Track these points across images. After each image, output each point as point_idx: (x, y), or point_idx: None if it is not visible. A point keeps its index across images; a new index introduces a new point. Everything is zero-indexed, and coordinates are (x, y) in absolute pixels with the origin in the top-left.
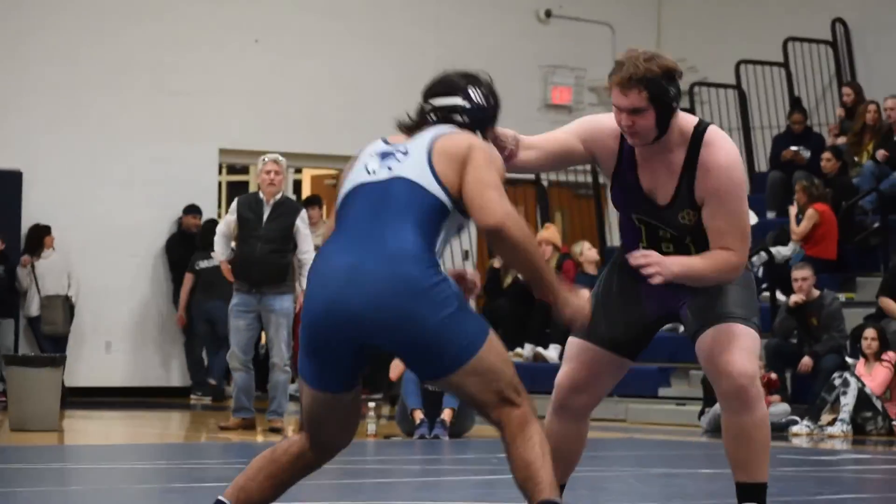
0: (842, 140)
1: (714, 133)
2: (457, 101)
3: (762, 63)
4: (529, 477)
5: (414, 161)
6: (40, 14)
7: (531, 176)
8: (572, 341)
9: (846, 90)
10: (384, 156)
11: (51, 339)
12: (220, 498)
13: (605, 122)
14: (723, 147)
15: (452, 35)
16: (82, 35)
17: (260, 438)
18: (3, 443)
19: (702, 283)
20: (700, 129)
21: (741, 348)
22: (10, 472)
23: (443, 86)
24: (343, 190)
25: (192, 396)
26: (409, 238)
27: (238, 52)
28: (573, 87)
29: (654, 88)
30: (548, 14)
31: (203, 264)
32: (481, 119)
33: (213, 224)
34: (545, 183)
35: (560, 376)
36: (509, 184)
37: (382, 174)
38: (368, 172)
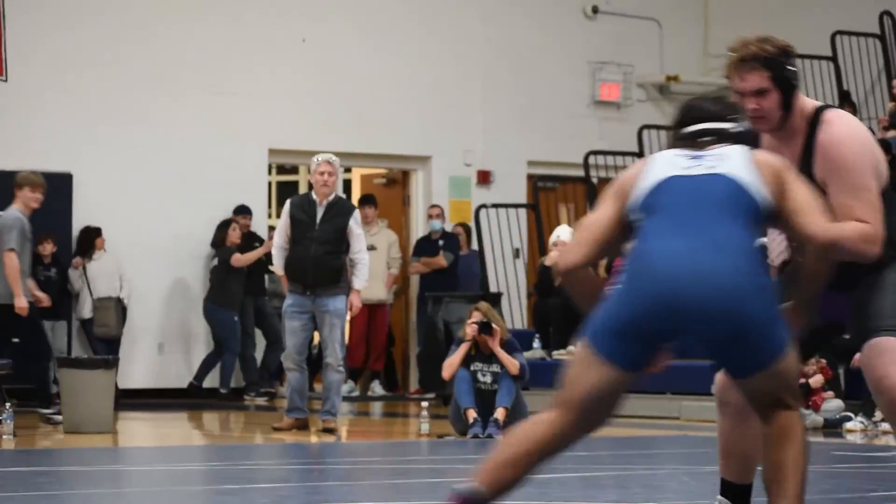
0: (892, 133)
1: (833, 112)
2: (728, 126)
3: (810, 57)
4: (776, 480)
5: (735, 163)
6: (90, 17)
7: (581, 173)
8: None
9: None
10: (694, 157)
11: (103, 341)
12: (471, 486)
13: None
14: (840, 123)
15: (500, 32)
16: (130, 37)
17: (314, 439)
18: (57, 445)
19: (839, 256)
20: (820, 109)
21: (892, 362)
22: (65, 475)
23: (708, 112)
24: (647, 182)
25: (246, 397)
26: (738, 232)
27: (285, 52)
28: (621, 83)
29: (774, 67)
30: (595, 10)
31: (213, 263)
32: (749, 144)
33: (225, 224)
34: (595, 180)
35: (718, 374)
36: (558, 181)
37: (699, 170)
38: (681, 168)
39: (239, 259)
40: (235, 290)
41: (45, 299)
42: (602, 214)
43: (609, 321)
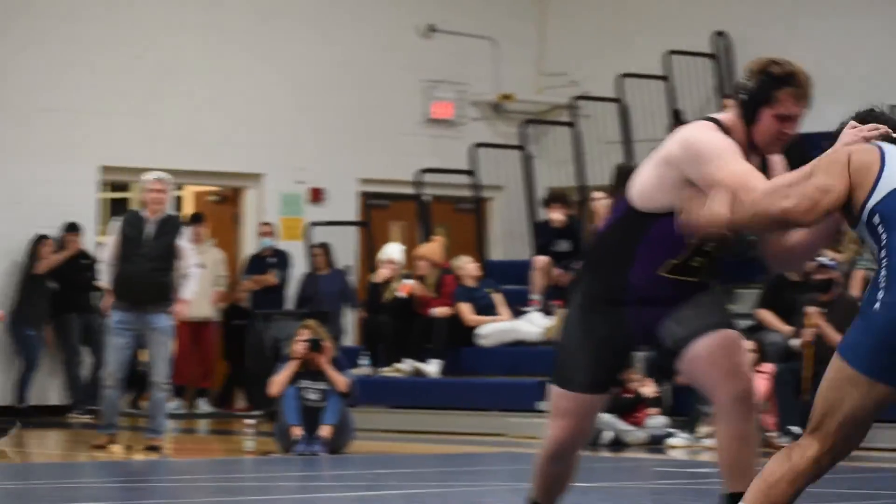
0: None
1: None
2: None
3: (643, 76)
4: None
5: None
6: None
7: (412, 191)
8: (559, 395)
9: (727, 102)
10: None
11: None
12: None
13: None
14: None
15: (334, 49)
16: None
17: (139, 457)
18: None
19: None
20: None
21: (744, 352)
22: None
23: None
24: (884, 183)
25: (71, 415)
26: None
27: (119, 69)
28: (455, 101)
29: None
30: (430, 29)
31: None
32: None
33: (41, 239)
34: (426, 198)
35: (558, 432)
36: (390, 199)
37: None
38: None
39: (41, 265)
40: (36, 305)
41: None
42: (832, 184)
43: (879, 337)
